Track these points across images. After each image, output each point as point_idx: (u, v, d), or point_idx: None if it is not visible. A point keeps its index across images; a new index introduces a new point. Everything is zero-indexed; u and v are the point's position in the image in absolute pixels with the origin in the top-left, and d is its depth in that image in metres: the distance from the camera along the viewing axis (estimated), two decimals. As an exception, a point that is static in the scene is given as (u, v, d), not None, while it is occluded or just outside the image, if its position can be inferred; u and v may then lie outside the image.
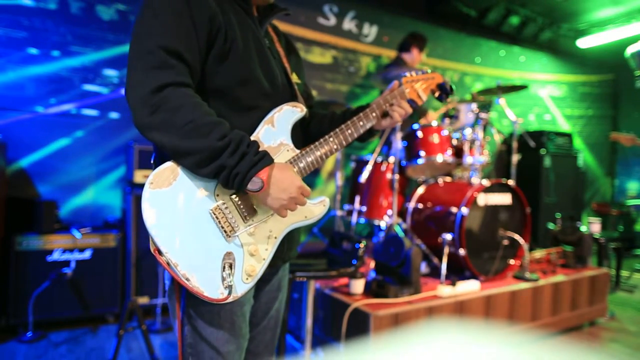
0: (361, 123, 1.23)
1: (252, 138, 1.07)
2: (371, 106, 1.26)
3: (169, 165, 0.98)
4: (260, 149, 1.00)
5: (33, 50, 3.11)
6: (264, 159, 0.98)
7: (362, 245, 2.06)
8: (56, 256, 2.83)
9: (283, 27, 1.37)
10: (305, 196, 1.04)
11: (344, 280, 2.58)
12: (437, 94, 1.38)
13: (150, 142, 0.97)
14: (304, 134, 1.29)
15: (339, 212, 3.60)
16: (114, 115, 3.39)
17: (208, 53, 1.02)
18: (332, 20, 4.45)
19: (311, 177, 4.42)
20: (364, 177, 3.18)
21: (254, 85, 1.08)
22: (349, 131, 1.20)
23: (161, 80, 0.92)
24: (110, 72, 3.37)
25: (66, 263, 2.85)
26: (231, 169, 0.95)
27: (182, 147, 0.93)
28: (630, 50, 3.45)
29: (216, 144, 0.93)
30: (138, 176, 3.01)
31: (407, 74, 1.33)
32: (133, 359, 2.53)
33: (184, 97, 0.94)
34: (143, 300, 3.00)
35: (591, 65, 6.88)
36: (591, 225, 4.00)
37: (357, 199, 3.35)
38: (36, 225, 2.84)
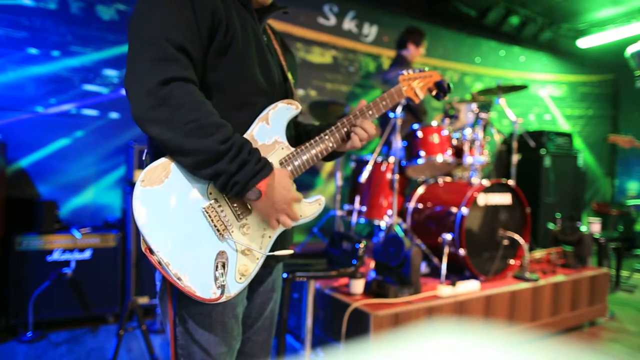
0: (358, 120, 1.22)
1: (246, 135, 1.06)
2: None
3: (161, 162, 0.96)
4: (261, 157, 0.98)
5: (33, 50, 3.11)
6: (264, 170, 0.96)
7: (362, 245, 2.06)
8: (56, 256, 2.83)
9: (283, 26, 1.37)
10: (297, 202, 1.04)
11: (344, 280, 2.57)
12: (434, 93, 1.38)
13: (147, 136, 0.95)
14: (297, 132, 1.29)
15: (339, 212, 3.60)
16: (114, 115, 3.39)
17: (208, 47, 1.01)
18: (332, 20, 4.44)
19: (311, 177, 4.41)
20: (364, 177, 3.17)
21: (251, 81, 1.07)
22: (345, 129, 1.20)
23: (167, 74, 0.90)
24: (110, 72, 3.37)
25: (66, 263, 2.85)
26: (230, 176, 0.93)
27: (183, 146, 0.91)
28: (630, 50, 3.44)
29: (218, 147, 0.91)
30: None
31: (404, 72, 1.33)
32: (133, 359, 2.53)
33: (189, 94, 0.92)
34: (143, 300, 3.00)
35: (591, 65, 6.88)
36: (591, 225, 4.00)
37: (357, 199, 3.35)
38: (36, 225, 2.84)
